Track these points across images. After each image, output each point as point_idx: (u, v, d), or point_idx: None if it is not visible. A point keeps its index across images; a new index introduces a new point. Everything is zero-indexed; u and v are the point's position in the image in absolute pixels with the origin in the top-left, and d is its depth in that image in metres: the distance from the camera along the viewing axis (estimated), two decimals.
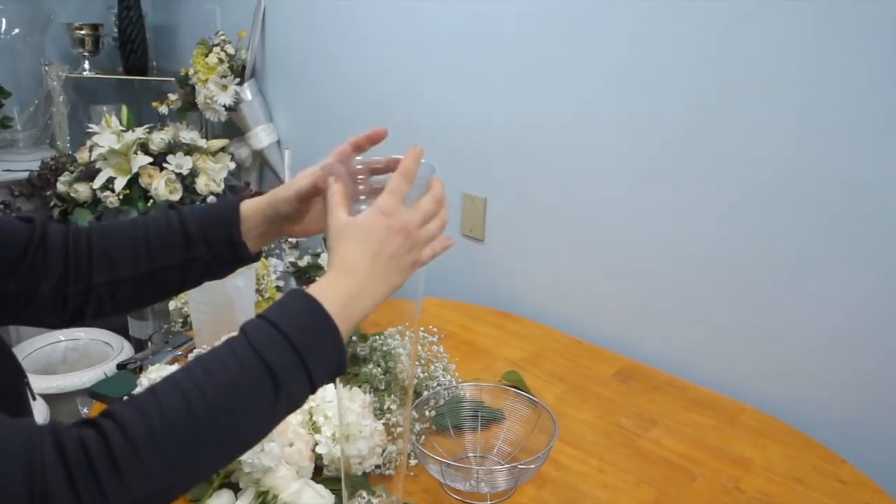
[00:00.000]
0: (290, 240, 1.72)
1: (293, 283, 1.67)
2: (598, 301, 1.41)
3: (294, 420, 0.89)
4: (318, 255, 1.67)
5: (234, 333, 0.56)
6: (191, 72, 2.03)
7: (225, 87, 2.02)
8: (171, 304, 1.33)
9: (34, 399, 0.70)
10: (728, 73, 1.14)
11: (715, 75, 1.16)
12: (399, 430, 0.95)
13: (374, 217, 0.60)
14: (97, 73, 2.31)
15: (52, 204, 1.80)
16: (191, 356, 1.15)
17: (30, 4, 2.22)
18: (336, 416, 0.89)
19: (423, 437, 0.94)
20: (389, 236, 0.60)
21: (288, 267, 1.68)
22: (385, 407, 1.01)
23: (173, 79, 2.16)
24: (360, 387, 1.01)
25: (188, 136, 1.85)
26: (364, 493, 0.86)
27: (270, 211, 0.72)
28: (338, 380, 0.64)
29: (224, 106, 2.02)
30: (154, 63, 2.43)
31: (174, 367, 1.01)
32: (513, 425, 0.98)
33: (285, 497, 0.80)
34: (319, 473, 0.89)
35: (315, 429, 0.90)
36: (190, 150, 1.83)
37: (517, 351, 1.30)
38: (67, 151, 2.12)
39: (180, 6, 2.39)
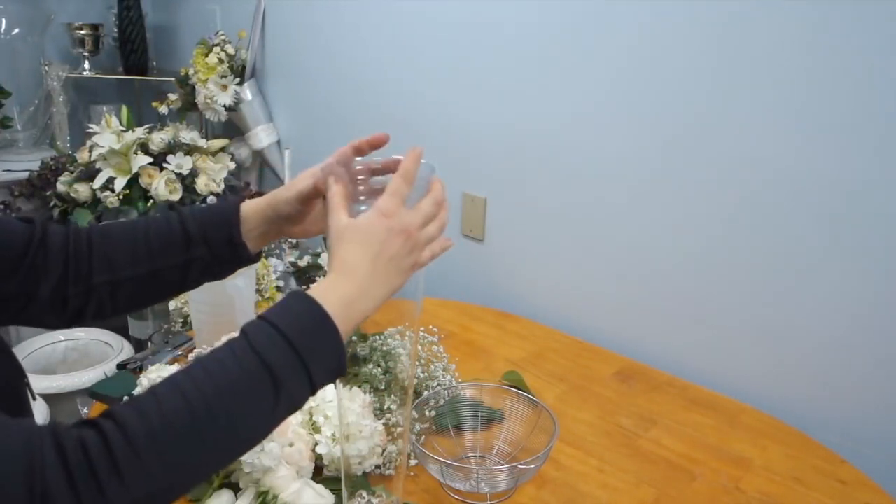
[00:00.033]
0: (289, 240, 1.72)
1: (293, 283, 1.67)
2: (598, 301, 1.41)
3: (294, 420, 0.89)
4: (318, 255, 1.67)
5: (235, 333, 0.56)
6: (191, 72, 2.03)
7: (225, 87, 2.02)
8: (171, 304, 1.33)
9: (34, 399, 0.70)
10: (729, 75, 1.14)
11: (716, 76, 1.16)
12: (399, 430, 0.95)
13: (375, 219, 0.60)
14: (97, 73, 2.31)
15: (52, 204, 1.80)
16: (191, 356, 1.15)
17: (30, 4, 2.22)
18: (336, 416, 0.89)
19: (423, 437, 0.94)
20: (390, 238, 0.60)
21: (288, 267, 1.68)
22: (385, 407, 1.01)
23: (173, 79, 2.16)
24: (360, 387, 1.01)
25: (188, 136, 1.85)
26: (364, 493, 0.86)
27: (271, 212, 0.72)
28: (338, 380, 0.64)
29: (224, 106, 2.02)
30: (154, 63, 2.43)
31: (174, 367, 1.02)
32: (513, 425, 0.98)
33: (285, 497, 0.80)
34: (319, 473, 0.89)
35: (315, 429, 0.90)
36: (190, 150, 1.83)
37: (517, 351, 1.30)
38: (67, 151, 2.12)
39: (180, 6, 2.39)
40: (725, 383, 1.22)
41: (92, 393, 1.09)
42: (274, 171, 2.16)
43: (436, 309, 1.45)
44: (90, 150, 1.77)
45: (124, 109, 1.87)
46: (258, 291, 1.43)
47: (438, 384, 1.07)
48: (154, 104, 2.12)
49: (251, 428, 0.55)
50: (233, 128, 2.17)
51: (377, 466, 0.92)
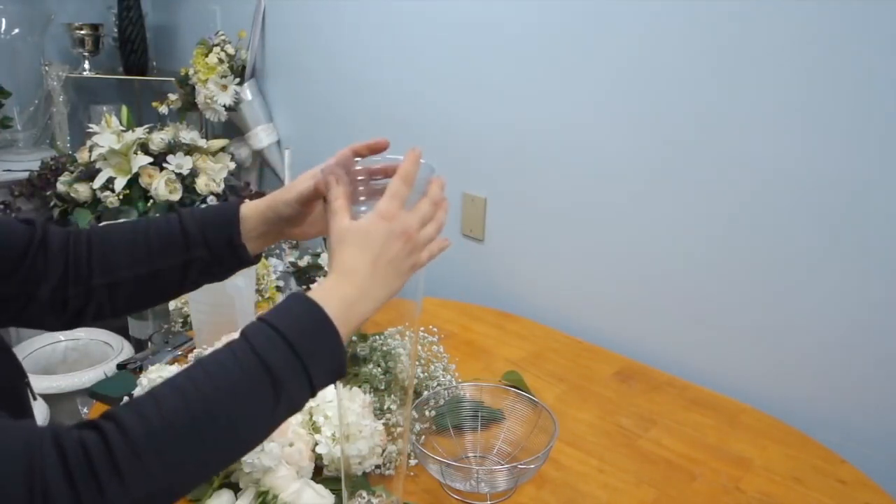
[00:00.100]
0: (289, 240, 1.72)
1: (293, 284, 1.67)
2: (598, 301, 1.41)
3: (294, 420, 0.89)
4: (318, 256, 1.67)
5: (235, 334, 0.56)
6: (191, 72, 2.03)
7: (225, 87, 2.02)
8: (171, 305, 1.33)
9: (34, 399, 0.70)
10: (729, 75, 1.14)
11: (716, 77, 1.16)
12: (399, 430, 0.95)
13: (375, 221, 0.60)
14: (97, 73, 2.31)
15: (52, 204, 1.80)
16: (191, 356, 1.15)
17: (30, 4, 2.22)
18: (336, 416, 0.89)
19: (423, 437, 0.94)
20: (390, 241, 0.60)
21: (288, 267, 1.68)
22: (385, 407, 1.01)
23: (173, 79, 2.16)
24: (360, 387, 1.01)
25: (188, 136, 1.85)
26: (364, 493, 0.86)
27: (270, 213, 0.72)
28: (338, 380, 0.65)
29: (224, 106, 2.02)
30: (154, 63, 2.43)
31: (174, 367, 1.02)
32: (513, 425, 0.98)
33: (285, 497, 0.80)
34: (319, 473, 0.89)
35: (315, 429, 0.90)
36: (190, 150, 1.83)
37: (517, 351, 1.30)
38: (67, 151, 2.12)
39: (180, 6, 2.39)
40: (725, 383, 1.22)
41: (92, 393, 1.09)
42: (274, 171, 2.16)
43: (436, 309, 1.45)
44: (90, 150, 1.77)
45: (124, 109, 1.87)
46: (258, 291, 1.43)
47: (438, 384, 1.07)
48: (154, 104, 2.12)
49: (251, 429, 0.55)
50: (233, 128, 2.17)
51: (377, 466, 0.92)
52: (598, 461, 1.00)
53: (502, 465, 0.94)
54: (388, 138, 0.71)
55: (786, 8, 1.05)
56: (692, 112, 1.20)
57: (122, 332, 1.69)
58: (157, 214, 1.12)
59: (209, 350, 0.84)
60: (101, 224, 1.19)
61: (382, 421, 0.95)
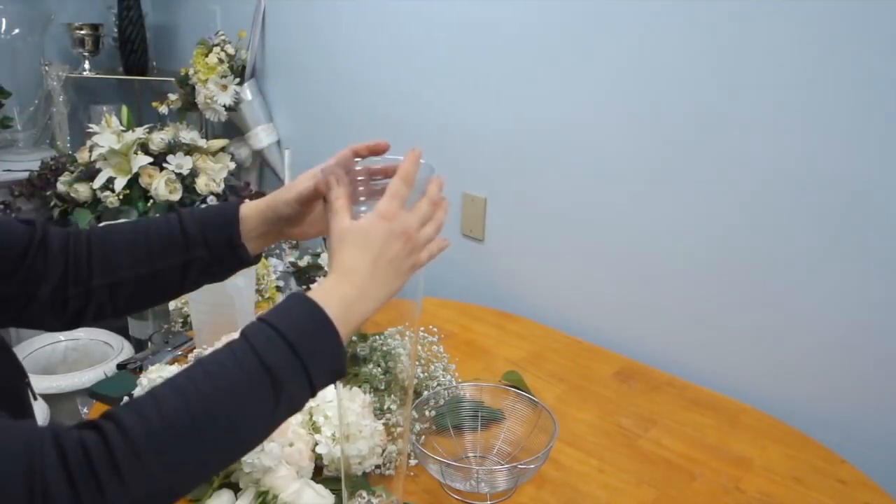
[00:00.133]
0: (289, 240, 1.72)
1: (293, 283, 1.67)
2: (598, 301, 1.41)
3: (294, 420, 0.89)
4: (318, 256, 1.67)
5: (235, 334, 0.56)
6: (191, 72, 2.03)
7: (225, 87, 2.02)
8: (171, 305, 1.33)
9: (35, 399, 0.70)
10: (729, 75, 1.14)
11: (715, 77, 1.16)
12: (399, 430, 0.95)
13: (376, 221, 0.61)
14: (97, 73, 2.31)
15: (52, 204, 1.80)
16: (191, 356, 1.15)
17: (30, 4, 2.22)
18: (336, 416, 0.89)
19: (423, 437, 0.94)
20: (390, 241, 0.60)
21: (288, 267, 1.68)
22: (385, 407, 1.01)
23: (173, 79, 2.16)
24: (360, 387, 1.01)
25: (188, 136, 1.85)
26: (364, 493, 0.86)
27: (270, 213, 0.72)
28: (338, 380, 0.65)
29: (224, 106, 2.02)
30: (154, 63, 2.43)
31: (174, 367, 1.02)
32: (513, 425, 0.98)
33: (285, 497, 0.80)
34: (319, 473, 0.89)
35: (315, 429, 0.90)
36: (190, 150, 1.83)
37: (517, 351, 1.30)
38: (67, 151, 2.12)
39: (180, 6, 2.39)
40: (725, 383, 1.22)
41: (92, 393, 1.09)
42: (274, 171, 2.16)
43: (436, 309, 1.45)
44: (90, 150, 1.77)
45: (124, 109, 1.87)
46: (258, 291, 1.43)
47: (438, 384, 1.07)
48: (154, 104, 2.12)
49: (251, 429, 0.55)
50: (233, 128, 2.17)
51: (377, 466, 0.92)
52: (598, 461, 1.00)
53: (502, 465, 0.94)
54: (388, 138, 0.71)
55: (785, 8, 1.05)
56: (692, 112, 1.20)
57: (122, 332, 1.69)
58: (157, 214, 1.12)
59: (209, 350, 0.84)
60: (101, 224, 1.19)
61: (382, 421, 0.95)
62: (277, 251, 1.74)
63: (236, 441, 0.54)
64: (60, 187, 1.78)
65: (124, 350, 1.65)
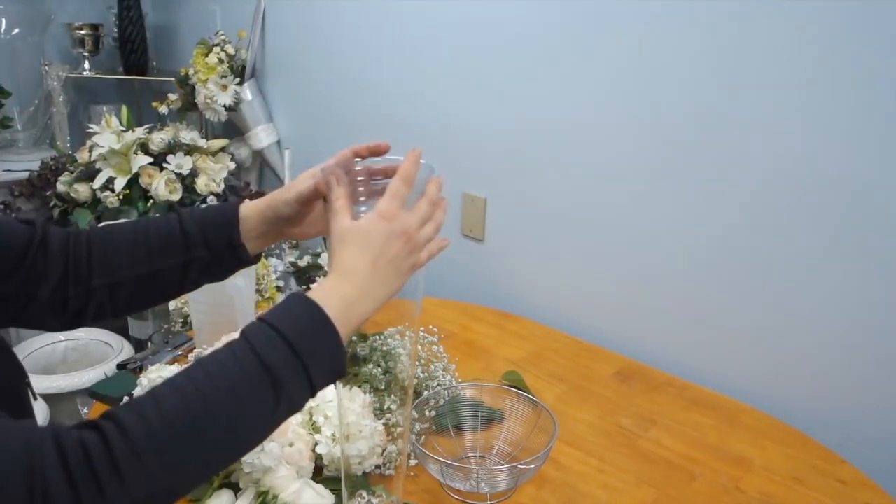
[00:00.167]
0: (289, 240, 1.72)
1: (293, 283, 1.67)
2: (598, 301, 1.41)
3: (294, 420, 0.89)
4: (318, 256, 1.67)
5: (235, 334, 0.56)
6: (191, 72, 2.03)
7: (225, 87, 2.02)
8: (171, 305, 1.33)
9: (35, 399, 0.70)
10: (729, 75, 1.14)
11: (718, 78, 1.15)
12: (399, 430, 0.95)
13: (376, 221, 0.61)
14: (97, 73, 2.31)
15: (52, 204, 1.80)
16: (191, 356, 1.15)
17: (30, 4, 2.22)
18: (336, 416, 0.89)
19: (423, 437, 0.94)
20: (390, 241, 0.60)
21: (288, 267, 1.68)
22: (385, 407, 1.01)
23: (173, 79, 2.16)
24: (360, 387, 1.01)
25: (188, 136, 1.85)
26: (364, 493, 0.86)
27: (270, 213, 0.72)
28: (338, 380, 0.65)
29: (224, 106, 2.02)
30: (154, 63, 2.43)
31: (174, 367, 1.02)
32: (513, 425, 0.98)
33: (285, 497, 0.80)
34: (319, 473, 0.89)
35: (315, 429, 0.90)
36: (190, 150, 1.83)
37: (517, 351, 1.30)
38: (67, 151, 2.12)
39: (180, 6, 2.39)
40: (725, 383, 1.22)
41: (92, 393, 1.09)
42: (274, 171, 2.16)
43: (436, 309, 1.45)
44: (90, 150, 1.77)
45: (124, 109, 1.87)
46: (258, 291, 1.43)
47: (438, 384, 1.07)
48: (154, 104, 2.12)
49: (251, 429, 0.55)
50: (233, 128, 2.17)
51: (377, 466, 0.92)
52: (598, 461, 1.00)
53: (502, 465, 0.94)
54: (388, 138, 0.71)
55: (785, 8, 1.05)
56: (692, 112, 1.20)
57: (122, 332, 1.69)
58: (157, 214, 1.12)
59: (209, 350, 0.84)
60: (100, 224, 1.19)
61: (382, 421, 0.95)
62: (277, 251, 1.74)
63: (236, 441, 0.54)
64: (60, 187, 1.77)
65: (124, 350, 1.65)
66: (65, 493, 0.46)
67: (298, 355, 0.54)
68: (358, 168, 0.68)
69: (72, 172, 1.80)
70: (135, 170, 1.72)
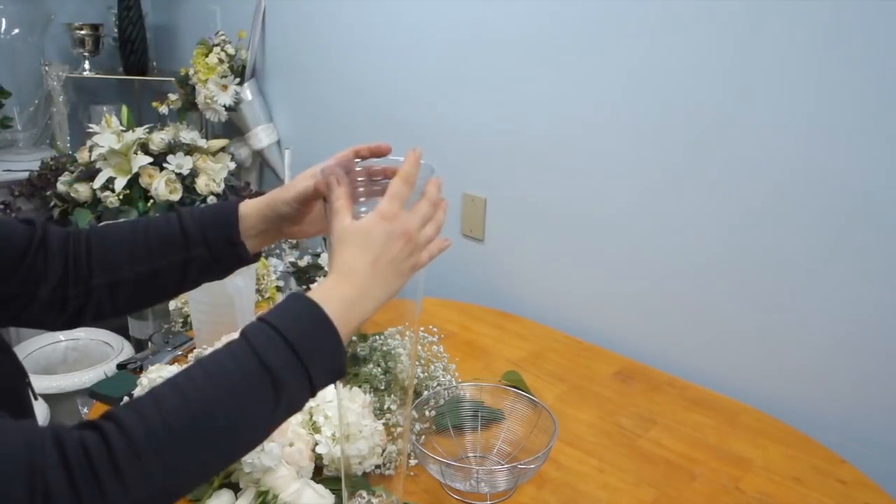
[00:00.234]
0: (289, 240, 1.72)
1: (293, 283, 1.67)
2: (598, 301, 1.41)
3: (294, 420, 0.89)
4: (318, 255, 1.67)
5: (235, 334, 0.56)
6: (191, 72, 2.03)
7: (225, 87, 2.02)
8: (171, 304, 1.33)
9: (35, 399, 0.70)
10: (736, 78, 1.14)
11: (722, 80, 1.15)
12: (399, 430, 0.95)
13: (376, 222, 0.60)
14: (97, 73, 2.31)
15: (52, 204, 1.80)
16: (191, 356, 1.15)
17: (30, 4, 2.22)
18: (336, 416, 0.89)
19: (423, 437, 0.94)
20: (390, 241, 0.60)
21: (288, 267, 1.68)
22: (385, 407, 1.01)
23: (173, 79, 2.16)
24: (360, 387, 1.01)
25: (188, 136, 1.85)
26: (364, 493, 0.86)
27: (270, 212, 0.72)
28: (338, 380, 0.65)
29: (224, 106, 2.02)
30: (154, 63, 2.43)
31: (174, 367, 1.02)
32: (513, 425, 0.98)
33: (285, 497, 0.80)
34: (319, 473, 0.89)
35: (315, 429, 0.90)
36: (190, 150, 1.83)
37: (517, 351, 1.30)
38: (67, 151, 2.12)
39: (180, 6, 2.39)
40: (725, 383, 1.22)
41: (92, 393, 1.09)
42: (274, 171, 2.16)
43: (436, 309, 1.45)
44: (90, 150, 1.77)
45: (124, 109, 1.87)
46: (258, 291, 1.43)
47: (438, 384, 1.07)
48: (154, 104, 2.12)
49: (251, 429, 0.55)
50: (233, 128, 2.17)
51: (377, 466, 0.92)
52: (598, 461, 1.00)
53: (502, 465, 0.94)
54: (389, 138, 0.71)
55: (796, 10, 1.05)
56: (692, 113, 1.19)
57: (122, 332, 1.70)
58: (157, 214, 1.12)
59: (209, 350, 0.84)
60: (100, 224, 1.19)
61: (382, 421, 0.95)
62: (277, 251, 1.74)
63: (236, 441, 0.54)
64: (60, 187, 1.77)
65: (124, 350, 1.65)
66: (65, 494, 0.46)
67: (298, 355, 0.54)
68: (358, 168, 0.68)
69: (72, 172, 1.79)
70: (135, 170, 1.72)
